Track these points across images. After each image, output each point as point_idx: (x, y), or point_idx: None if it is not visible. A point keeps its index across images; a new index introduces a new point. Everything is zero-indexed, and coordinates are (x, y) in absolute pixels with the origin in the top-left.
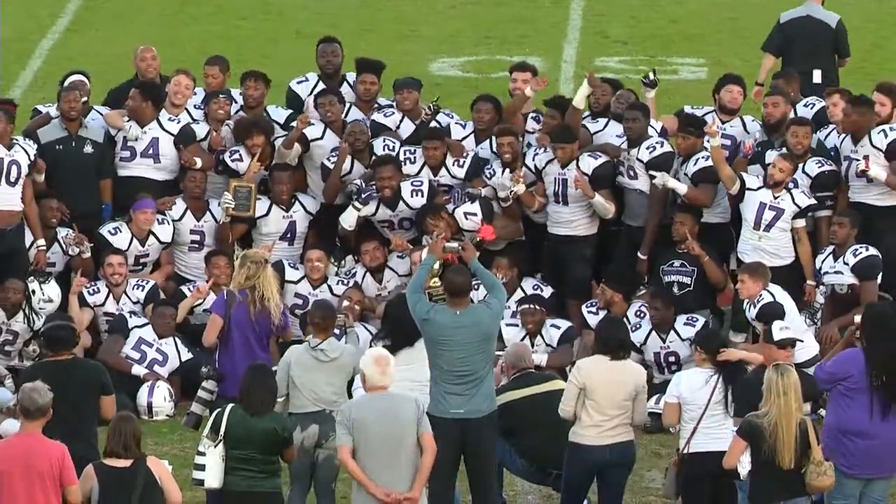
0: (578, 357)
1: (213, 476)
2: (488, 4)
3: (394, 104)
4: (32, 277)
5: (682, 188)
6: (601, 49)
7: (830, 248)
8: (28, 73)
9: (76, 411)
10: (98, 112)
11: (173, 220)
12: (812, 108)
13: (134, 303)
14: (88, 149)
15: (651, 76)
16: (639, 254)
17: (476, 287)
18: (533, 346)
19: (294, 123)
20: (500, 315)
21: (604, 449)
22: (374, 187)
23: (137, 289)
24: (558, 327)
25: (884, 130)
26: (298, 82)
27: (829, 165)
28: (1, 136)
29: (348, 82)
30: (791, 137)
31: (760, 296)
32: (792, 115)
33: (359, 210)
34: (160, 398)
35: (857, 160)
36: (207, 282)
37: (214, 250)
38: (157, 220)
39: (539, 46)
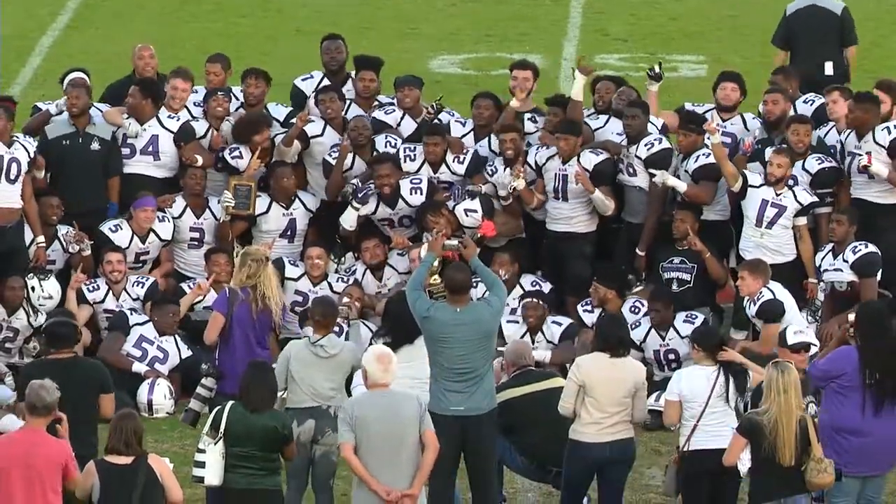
0: (577, 355)
1: (213, 473)
2: (488, 2)
3: (394, 102)
4: (32, 274)
5: (681, 186)
6: (601, 47)
7: (830, 246)
8: (28, 71)
9: (76, 410)
10: (98, 109)
11: (173, 218)
12: (812, 104)
13: (134, 300)
14: (95, 146)
15: (657, 69)
16: (637, 250)
17: (475, 285)
18: (534, 342)
19: (294, 121)
20: (501, 312)
21: (604, 446)
22: (371, 185)
23: (137, 286)
24: (560, 324)
25: (887, 127)
26: (303, 79)
27: (829, 162)
28: (1, 134)
29: (353, 79)
30: (792, 135)
31: (761, 293)
32: (792, 111)
33: (357, 210)
34: (160, 395)
35: (860, 156)
36: (207, 279)
37: (214, 247)
38: (158, 217)
39: (539, 44)
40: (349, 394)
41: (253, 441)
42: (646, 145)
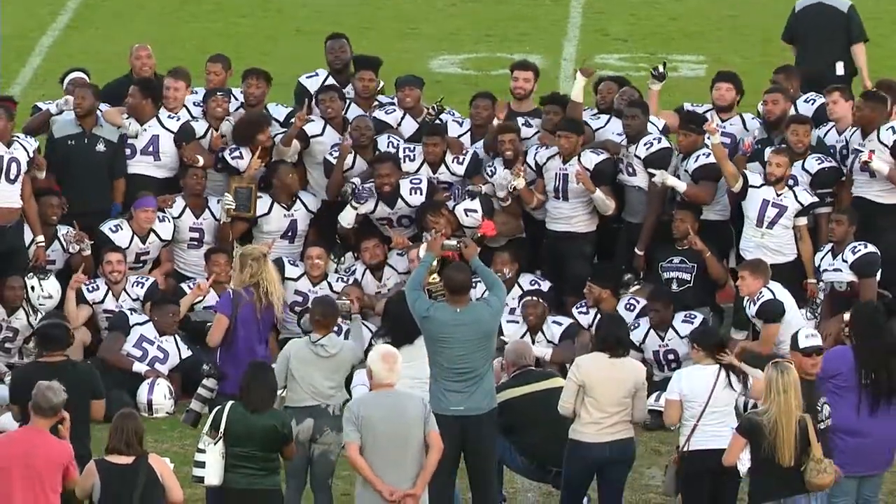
0: (577, 355)
1: (212, 473)
2: (488, 2)
3: (395, 102)
4: (32, 274)
5: (681, 185)
6: (601, 47)
7: (829, 246)
8: (28, 71)
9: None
10: (98, 109)
11: (173, 218)
12: (813, 103)
13: (134, 300)
14: (101, 147)
15: (661, 69)
16: (636, 249)
17: (474, 285)
18: (534, 341)
19: (293, 120)
20: (500, 312)
21: (604, 446)
22: (370, 185)
23: (137, 286)
24: (560, 324)
25: (892, 127)
26: (308, 77)
27: (828, 162)
28: (2, 134)
29: (352, 79)
30: (791, 136)
31: (760, 293)
32: (792, 111)
33: (356, 209)
34: (160, 395)
35: (863, 151)
36: (207, 279)
37: (214, 247)
38: (158, 217)
39: (539, 44)
40: (349, 393)
41: (253, 441)
42: (645, 145)
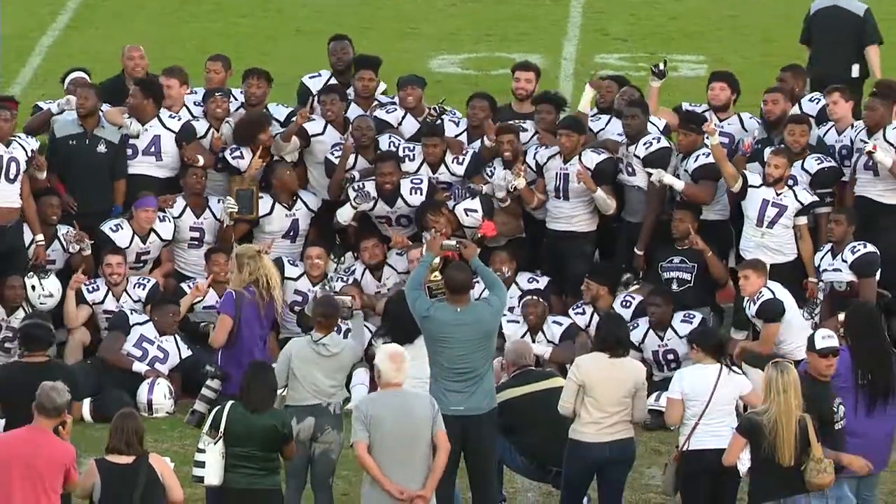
0: (577, 355)
1: (212, 473)
2: (488, 2)
3: (395, 102)
4: (32, 273)
5: (678, 184)
6: (601, 46)
7: (829, 246)
8: (28, 71)
9: None
10: (99, 109)
11: (173, 218)
12: (817, 102)
13: (135, 301)
14: (102, 148)
15: (661, 66)
16: (635, 249)
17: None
18: (534, 341)
19: (295, 118)
20: (501, 312)
21: (604, 446)
22: (370, 183)
23: (139, 287)
24: (560, 324)
25: None
26: (311, 77)
27: (828, 162)
28: (6, 134)
29: (352, 79)
30: (788, 135)
31: (760, 293)
32: (797, 109)
33: (355, 209)
34: (160, 395)
35: (867, 142)
36: (207, 279)
37: (214, 247)
38: (159, 217)
39: (539, 44)
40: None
41: (253, 441)
42: (644, 145)
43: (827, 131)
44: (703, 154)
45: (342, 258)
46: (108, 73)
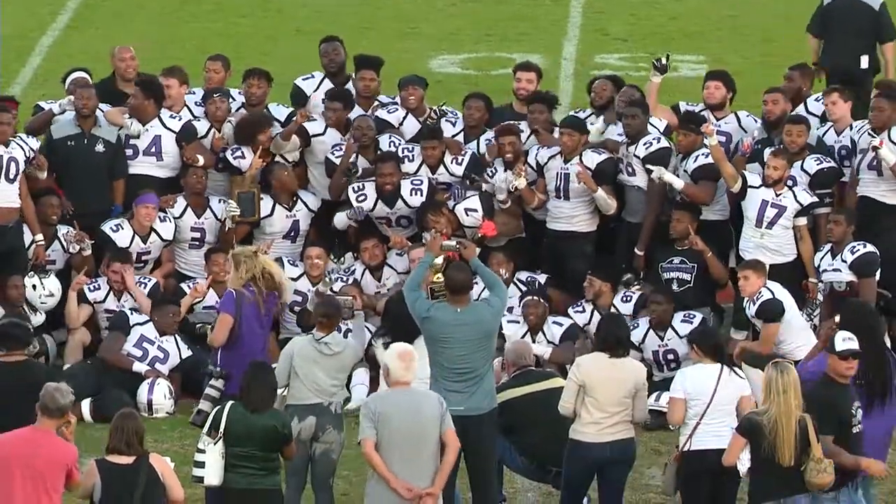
0: (577, 355)
1: (212, 473)
2: (488, 2)
3: (396, 102)
4: (33, 272)
5: (678, 183)
6: (601, 46)
7: (829, 246)
8: (28, 71)
9: (24, 413)
10: (100, 109)
11: (174, 218)
12: (822, 101)
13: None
14: (100, 147)
15: (663, 60)
16: (636, 250)
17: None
18: (534, 341)
19: (295, 118)
20: (501, 313)
21: (604, 446)
22: (368, 187)
23: (139, 287)
24: (560, 324)
25: None
26: (304, 79)
27: (827, 163)
28: (7, 135)
29: (353, 79)
30: (785, 136)
31: (760, 293)
32: (802, 108)
33: (350, 220)
34: (160, 395)
35: (874, 137)
36: (207, 279)
37: (214, 247)
38: (159, 217)
39: (539, 44)
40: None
41: (253, 441)
42: (644, 144)
43: (826, 132)
44: (703, 154)
45: (342, 258)
46: (108, 73)
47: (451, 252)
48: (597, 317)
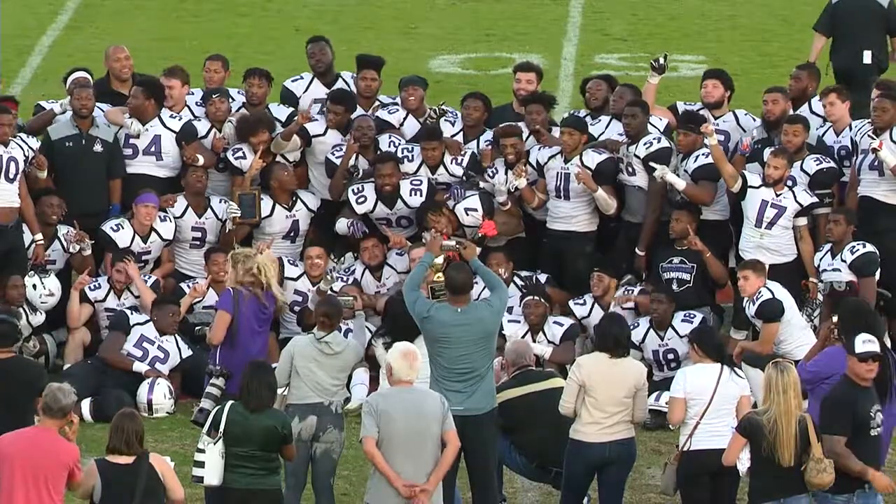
0: (578, 356)
1: (212, 473)
2: (488, 2)
3: (397, 102)
4: (33, 272)
5: (680, 183)
6: (601, 46)
7: (828, 246)
8: (28, 70)
9: (11, 409)
10: (100, 109)
11: (175, 218)
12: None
13: (136, 298)
14: (98, 147)
15: (661, 60)
16: (636, 250)
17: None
18: (535, 341)
19: (296, 118)
20: (502, 312)
21: (604, 446)
22: (368, 188)
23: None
24: (561, 324)
25: None
26: (293, 80)
27: (827, 163)
28: (7, 136)
29: (344, 80)
30: (783, 135)
31: (760, 293)
32: (806, 108)
33: (349, 229)
34: (160, 395)
35: (874, 138)
36: (206, 279)
37: (214, 247)
38: (160, 217)
39: (539, 44)
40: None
41: (253, 441)
42: (645, 144)
43: (825, 132)
44: (703, 154)
45: (342, 258)
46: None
47: (451, 252)
48: (597, 310)
